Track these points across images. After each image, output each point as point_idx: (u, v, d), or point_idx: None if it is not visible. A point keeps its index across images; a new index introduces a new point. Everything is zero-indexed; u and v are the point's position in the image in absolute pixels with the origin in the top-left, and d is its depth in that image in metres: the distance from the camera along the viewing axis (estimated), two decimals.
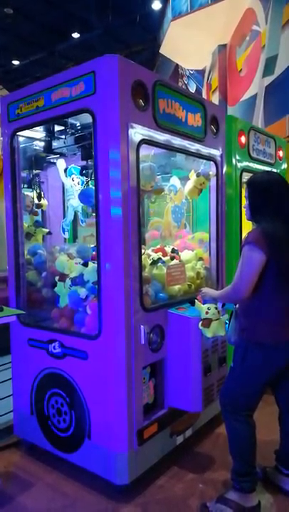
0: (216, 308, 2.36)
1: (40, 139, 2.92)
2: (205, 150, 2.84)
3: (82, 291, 2.48)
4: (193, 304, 2.44)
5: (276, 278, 2.00)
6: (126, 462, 2.22)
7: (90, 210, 2.79)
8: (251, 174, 2.31)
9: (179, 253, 2.99)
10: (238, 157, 3.34)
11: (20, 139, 2.71)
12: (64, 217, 3.02)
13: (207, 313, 2.35)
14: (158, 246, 3.05)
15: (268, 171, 2.33)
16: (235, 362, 2.15)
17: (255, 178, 2.20)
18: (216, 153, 2.97)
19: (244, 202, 2.25)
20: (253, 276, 1.97)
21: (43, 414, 2.60)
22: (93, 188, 2.56)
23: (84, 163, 2.82)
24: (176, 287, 2.74)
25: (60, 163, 2.86)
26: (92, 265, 2.47)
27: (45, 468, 2.57)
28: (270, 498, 2.25)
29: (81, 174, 2.83)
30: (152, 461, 2.43)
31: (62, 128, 2.77)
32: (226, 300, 2.31)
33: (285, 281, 2.02)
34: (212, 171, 2.98)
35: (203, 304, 2.38)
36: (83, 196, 2.70)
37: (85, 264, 2.55)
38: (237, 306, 2.21)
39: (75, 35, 13.67)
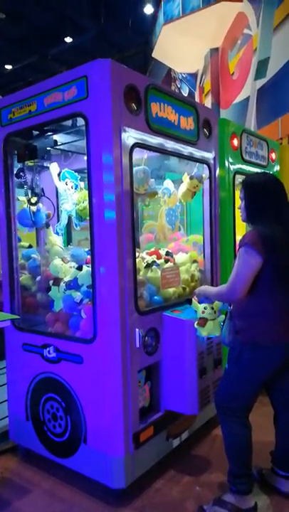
0: (212, 309, 2.36)
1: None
2: (198, 153, 2.86)
3: (77, 295, 2.48)
4: (190, 302, 2.44)
5: (272, 280, 2.00)
6: (122, 466, 2.21)
7: (25, 231, 2.79)
8: (244, 176, 2.31)
9: (174, 256, 2.99)
10: (230, 160, 3.36)
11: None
12: (58, 221, 3.02)
13: (203, 312, 2.34)
14: (152, 249, 3.05)
15: (264, 172, 2.33)
16: (230, 363, 2.15)
17: (252, 179, 2.19)
18: (209, 156, 2.98)
19: (238, 203, 2.25)
20: (248, 279, 1.97)
21: (38, 419, 2.59)
22: (28, 209, 2.68)
23: (80, 167, 2.81)
24: (171, 290, 2.74)
25: (54, 167, 2.86)
26: (87, 269, 2.47)
27: (41, 474, 2.55)
28: (266, 499, 2.25)
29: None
30: (149, 465, 2.43)
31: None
32: (220, 300, 2.30)
33: (280, 282, 2.02)
34: (205, 173, 3.00)
35: (200, 303, 2.38)
36: (19, 218, 2.72)
37: (80, 268, 2.54)
38: (231, 307, 2.21)
39: (68, 39, 13.69)
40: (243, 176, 2.58)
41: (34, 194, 2.74)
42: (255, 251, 1.94)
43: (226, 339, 2.21)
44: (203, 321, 2.34)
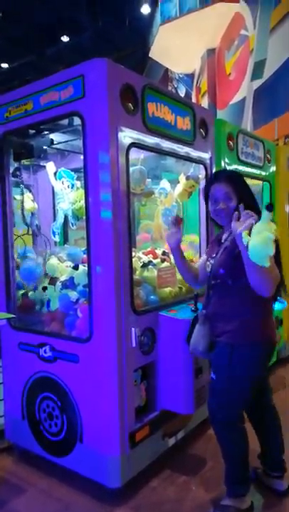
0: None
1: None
2: (194, 153, 2.87)
3: (73, 295, 2.48)
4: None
5: None
6: (118, 465, 2.22)
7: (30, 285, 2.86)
8: None
9: (170, 255, 3.00)
10: (227, 160, 3.36)
11: None
12: (54, 220, 3.02)
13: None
14: (149, 248, 3.06)
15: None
16: (222, 371, 2.02)
17: (232, 170, 2.16)
18: (205, 156, 2.99)
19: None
20: None
21: (34, 418, 2.59)
22: (35, 264, 2.78)
23: (77, 166, 2.83)
24: (167, 289, 2.75)
25: (50, 167, 2.86)
26: (83, 268, 2.48)
27: (37, 473, 2.55)
28: (260, 499, 2.26)
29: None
30: (145, 464, 2.43)
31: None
32: (267, 278, 1.79)
33: None
34: (201, 174, 3.01)
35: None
36: (24, 273, 2.78)
37: (76, 267, 2.54)
38: (205, 311, 2.11)
39: (65, 38, 13.68)
40: None
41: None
42: None
43: (199, 347, 2.09)
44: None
